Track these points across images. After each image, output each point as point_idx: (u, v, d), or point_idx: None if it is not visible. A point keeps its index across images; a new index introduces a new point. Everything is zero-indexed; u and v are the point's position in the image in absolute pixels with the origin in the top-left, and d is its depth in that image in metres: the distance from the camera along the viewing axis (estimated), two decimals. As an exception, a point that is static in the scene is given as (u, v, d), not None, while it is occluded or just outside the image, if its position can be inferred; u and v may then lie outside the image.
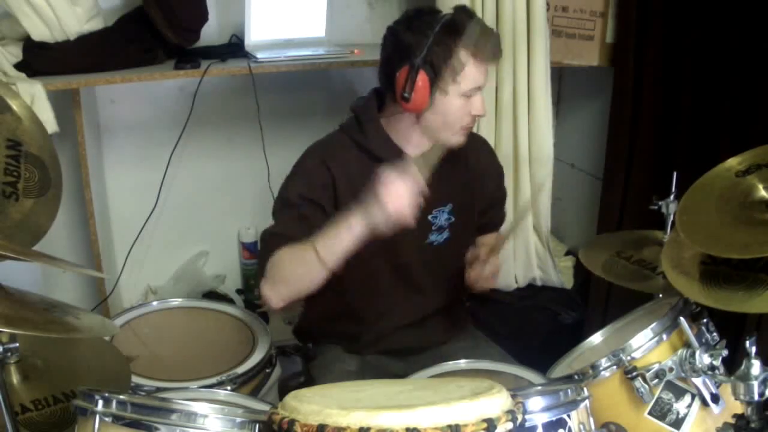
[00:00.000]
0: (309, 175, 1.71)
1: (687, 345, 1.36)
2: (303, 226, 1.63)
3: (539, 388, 1.34)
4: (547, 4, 2.46)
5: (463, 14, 1.64)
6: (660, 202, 1.71)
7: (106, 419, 1.12)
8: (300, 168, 1.74)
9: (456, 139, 1.70)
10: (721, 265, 1.35)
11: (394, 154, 1.72)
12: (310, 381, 1.91)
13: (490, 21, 2.39)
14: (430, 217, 1.79)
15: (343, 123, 1.79)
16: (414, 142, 1.74)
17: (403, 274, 1.81)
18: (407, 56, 1.60)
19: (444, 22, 1.60)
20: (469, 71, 1.61)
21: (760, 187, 1.39)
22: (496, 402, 1.02)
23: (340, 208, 1.68)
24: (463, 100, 1.64)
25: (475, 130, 2.23)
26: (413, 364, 1.81)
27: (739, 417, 1.25)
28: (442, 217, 1.81)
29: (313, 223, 1.62)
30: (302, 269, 1.58)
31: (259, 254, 1.75)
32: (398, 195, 1.46)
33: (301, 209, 1.68)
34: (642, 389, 1.35)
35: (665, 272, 1.44)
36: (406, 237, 1.78)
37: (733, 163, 1.47)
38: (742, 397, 1.22)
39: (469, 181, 1.86)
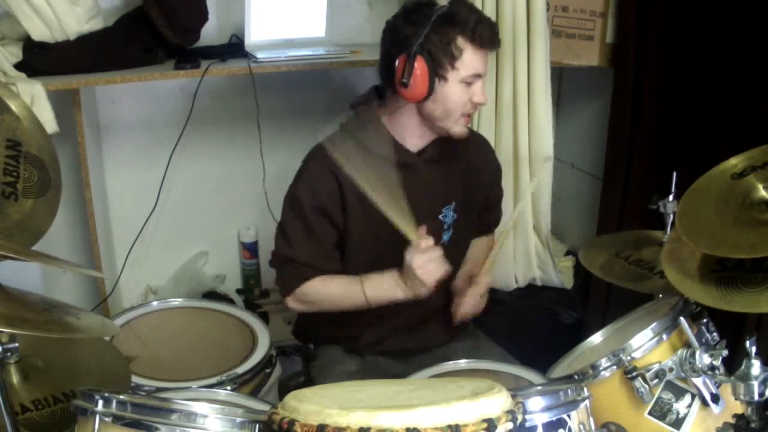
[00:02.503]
0: (316, 183, 1.71)
1: (687, 345, 1.36)
2: (316, 247, 1.72)
3: (539, 388, 1.34)
4: (547, 4, 2.45)
5: (460, 4, 1.66)
6: (659, 202, 1.71)
7: (106, 419, 1.12)
8: (306, 175, 1.74)
9: (458, 128, 1.71)
10: (735, 270, 1.33)
11: (396, 152, 1.72)
12: (310, 381, 1.91)
13: (490, 21, 2.39)
14: (440, 217, 1.79)
15: (344, 122, 1.78)
16: (416, 135, 1.74)
17: None
18: (405, 46, 1.61)
19: (441, 12, 1.62)
20: (468, 57, 1.62)
21: (760, 187, 1.38)
22: (496, 402, 1.02)
23: (348, 213, 1.70)
24: (463, 87, 1.65)
25: (475, 129, 2.23)
26: (413, 365, 1.81)
27: (739, 417, 1.25)
28: (449, 215, 1.81)
29: (324, 240, 1.72)
30: (344, 302, 1.74)
31: (278, 273, 1.79)
32: (431, 271, 1.62)
33: (311, 224, 1.70)
34: (642, 389, 1.35)
35: (676, 286, 1.40)
36: None
37: (727, 165, 1.46)
38: (742, 397, 1.22)
39: (469, 177, 1.86)
